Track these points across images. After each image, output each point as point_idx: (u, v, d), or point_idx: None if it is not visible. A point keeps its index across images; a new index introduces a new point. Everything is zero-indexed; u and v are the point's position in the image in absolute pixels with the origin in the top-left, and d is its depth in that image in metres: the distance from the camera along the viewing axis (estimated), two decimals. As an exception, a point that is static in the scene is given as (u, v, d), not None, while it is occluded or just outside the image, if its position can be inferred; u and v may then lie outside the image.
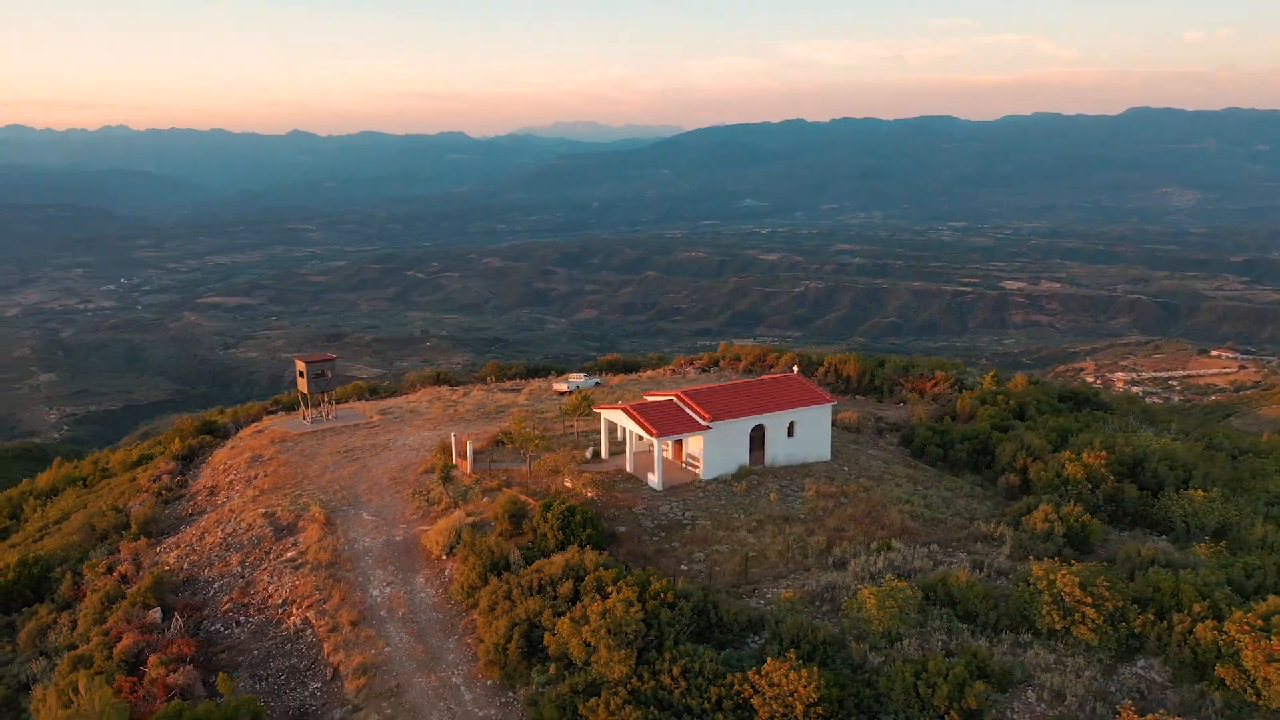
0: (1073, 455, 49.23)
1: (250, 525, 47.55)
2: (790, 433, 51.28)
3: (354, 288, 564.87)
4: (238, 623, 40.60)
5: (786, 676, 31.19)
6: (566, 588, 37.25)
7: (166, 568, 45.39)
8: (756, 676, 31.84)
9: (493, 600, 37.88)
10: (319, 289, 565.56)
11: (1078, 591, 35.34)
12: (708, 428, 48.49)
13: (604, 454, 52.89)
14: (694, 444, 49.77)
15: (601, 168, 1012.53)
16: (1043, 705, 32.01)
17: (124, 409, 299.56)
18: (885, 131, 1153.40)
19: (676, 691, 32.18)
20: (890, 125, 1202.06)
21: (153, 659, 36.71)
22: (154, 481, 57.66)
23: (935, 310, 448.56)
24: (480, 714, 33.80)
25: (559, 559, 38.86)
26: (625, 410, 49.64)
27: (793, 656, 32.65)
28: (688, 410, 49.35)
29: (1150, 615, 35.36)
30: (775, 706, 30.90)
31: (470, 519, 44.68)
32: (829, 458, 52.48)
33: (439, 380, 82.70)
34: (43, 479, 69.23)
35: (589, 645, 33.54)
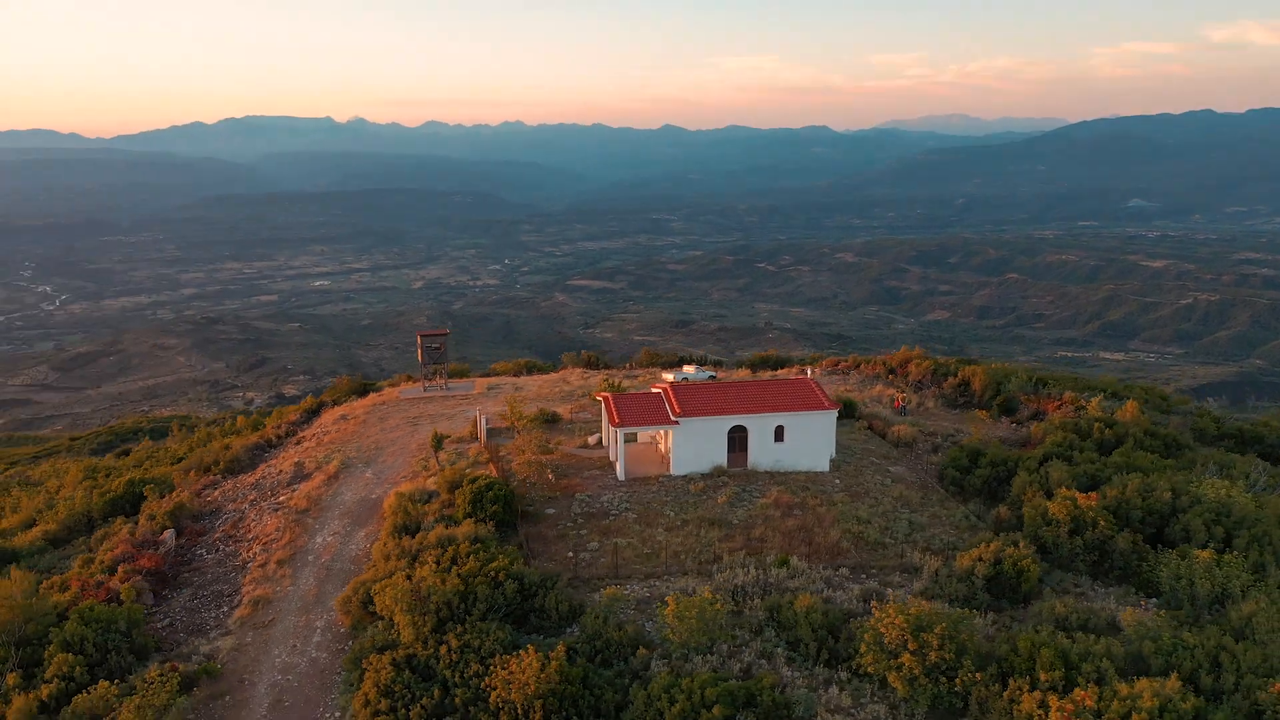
0: (1066, 494, 42.77)
1: (281, 471, 54.50)
2: (778, 437, 49.17)
3: (707, 277, 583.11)
4: (216, 550, 47.22)
5: (525, 666, 31.46)
6: (431, 555, 39.55)
7: (209, 499, 53.37)
8: (516, 663, 32.30)
9: (376, 559, 41.15)
10: (675, 277, 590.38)
11: (895, 634, 31.80)
12: (675, 423, 48.01)
13: (604, 440, 53.84)
14: (670, 439, 49.45)
15: (970, 162, 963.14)
16: (800, 749, 29.60)
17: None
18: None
19: (443, 662, 33.54)
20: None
21: (121, 568, 44.03)
22: (275, 429, 67.08)
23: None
24: (313, 654, 37.25)
25: (439, 529, 41.24)
26: (603, 398, 50.42)
27: (561, 650, 32.71)
28: (665, 405, 49.12)
29: (982, 675, 31.01)
30: (501, 691, 31.34)
31: (435, 486, 48.03)
32: (825, 468, 49.58)
33: (589, 363, 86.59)
34: (240, 420, 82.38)
35: (389, 608, 35.75)
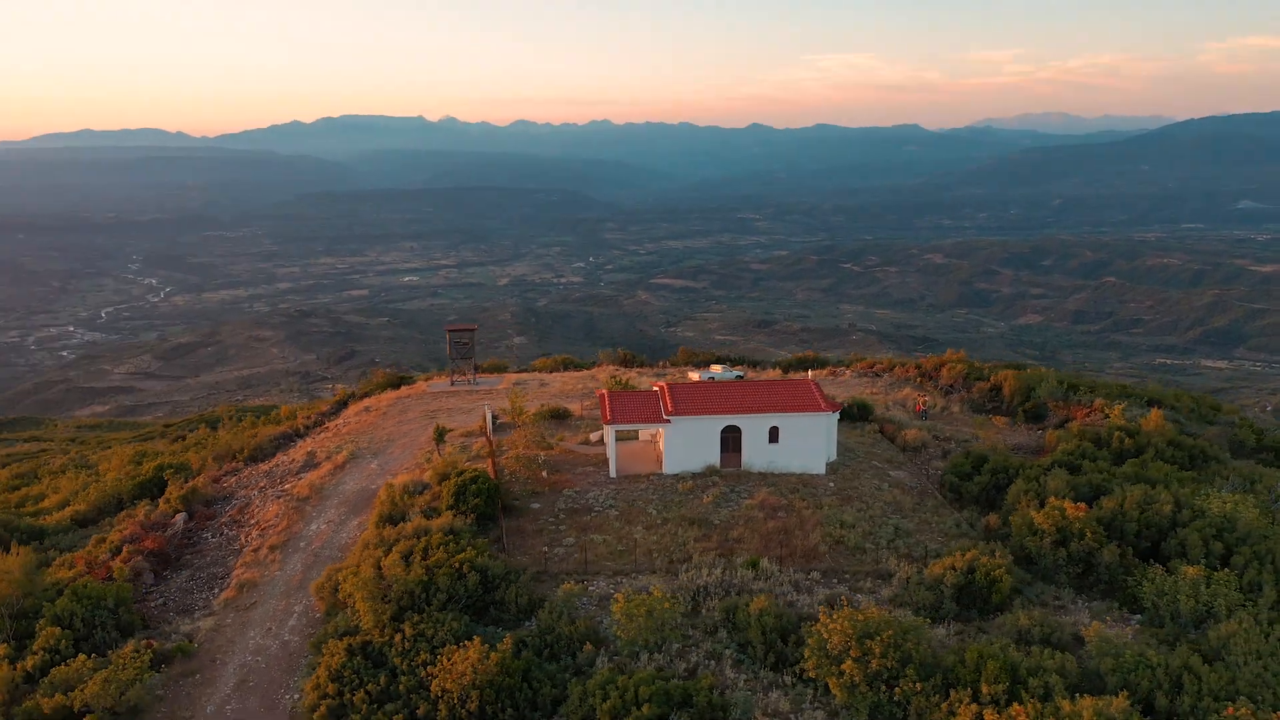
0: (1055, 503, 41.35)
1: (294, 460, 56.10)
2: (773, 438, 48.63)
3: (791, 277, 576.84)
4: (220, 533, 48.91)
5: (466, 657, 31.90)
6: (404, 545, 40.31)
7: (225, 485, 55.25)
8: (460, 653, 32.74)
9: (357, 548, 42.09)
10: (758, 276, 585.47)
11: (838, 640, 31.31)
12: (666, 421, 47.95)
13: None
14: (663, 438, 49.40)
15: (1068, 162, 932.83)
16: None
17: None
18: None
19: (395, 650, 34.23)
20: None
21: (125, 548, 45.93)
22: (305, 420, 69.05)
23: None
24: (286, 638, 38.37)
25: (418, 520, 41.98)
26: (600, 395, 50.58)
27: (508, 642, 33.14)
28: (660, 403, 49.08)
29: (924, 685, 30.33)
30: (441, 680, 31.83)
31: (430, 478, 48.81)
32: (821, 471, 48.87)
33: (624, 361, 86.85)
34: (284, 410, 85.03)
35: (351, 595, 36.60)
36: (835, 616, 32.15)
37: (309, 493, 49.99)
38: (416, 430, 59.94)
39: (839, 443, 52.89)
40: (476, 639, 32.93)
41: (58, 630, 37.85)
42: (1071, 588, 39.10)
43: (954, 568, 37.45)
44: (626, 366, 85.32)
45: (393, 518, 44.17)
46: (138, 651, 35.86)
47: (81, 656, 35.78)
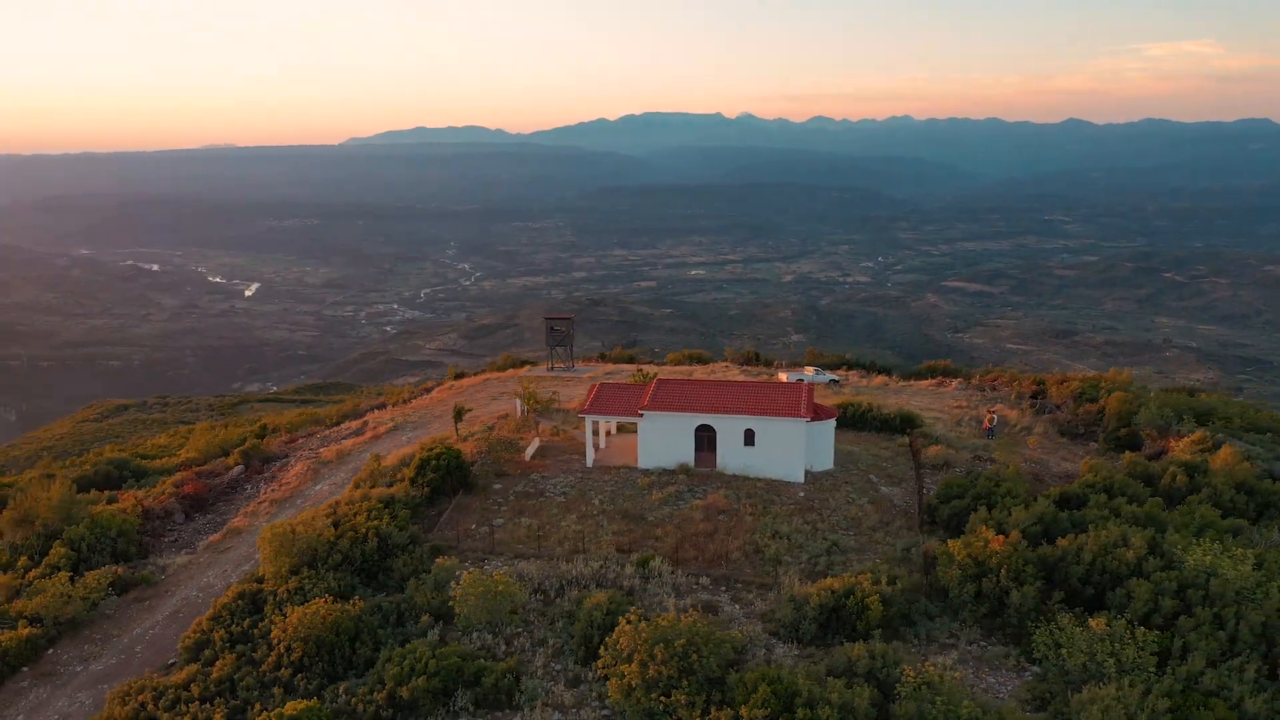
0: (983, 534, 36.95)
1: (349, 428, 61.17)
2: (749, 441, 47.07)
3: (1100, 285, 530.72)
4: (256, 487, 54.68)
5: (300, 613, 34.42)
6: (344, 509, 43.54)
7: (294, 444, 61.40)
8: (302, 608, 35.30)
9: (320, 506, 45.83)
10: (1062, 283, 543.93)
11: (626, 641, 30.71)
12: (639, 416, 47.85)
13: (611, 429, 54.48)
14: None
15: None
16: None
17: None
18: None
19: (274, 599, 37.41)
20: None
21: (168, 490, 52.72)
22: (410, 394, 74.68)
23: None
24: (232, 579, 42.65)
25: (366, 488, 45.04)
26: (591, 386, 51.17)
27: (359, 604, 35.33)
28: (641, 399, 49.05)
29: (697, 699, 29.21)
30: (277, 630, 34.49)
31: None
32: (798, 478, 46.64)
33: (747, 360, 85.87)
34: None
35: (261, 547, 40.18)
36: (633, 620, 31.46)
37: (333, 457, 54.70)
38: (475, 408, 63.35)
39: (844, 452, 50.26)
40: (327, 597, 35.39)
41: (64, 550, 44.63)
42: (980, 627, 35.28)
43: (833, 590, 35.06)
44: (748, 364, 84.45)
45: (365, 484, 47.61)
46: (100, 576, 41.59)
47: (63, 574, 42.05)
